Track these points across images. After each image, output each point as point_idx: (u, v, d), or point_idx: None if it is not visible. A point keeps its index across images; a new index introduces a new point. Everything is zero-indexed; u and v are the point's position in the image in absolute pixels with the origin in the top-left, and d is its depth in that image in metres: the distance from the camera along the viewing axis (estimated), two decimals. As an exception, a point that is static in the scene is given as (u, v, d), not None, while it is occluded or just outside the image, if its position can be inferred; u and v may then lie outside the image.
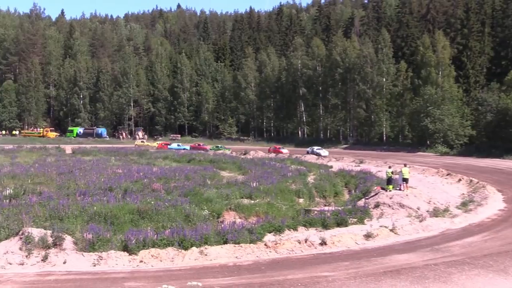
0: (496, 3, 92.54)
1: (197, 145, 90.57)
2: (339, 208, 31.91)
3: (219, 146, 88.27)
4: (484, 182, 42.44)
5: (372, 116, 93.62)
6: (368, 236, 26.15)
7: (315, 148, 77.69)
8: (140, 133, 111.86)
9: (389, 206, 31.71)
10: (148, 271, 20.90)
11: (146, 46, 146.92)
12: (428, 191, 36.36)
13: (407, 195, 33.24)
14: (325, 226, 27.82)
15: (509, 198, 37.30)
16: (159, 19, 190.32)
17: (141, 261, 21.91)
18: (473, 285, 18.31)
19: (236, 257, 22.75)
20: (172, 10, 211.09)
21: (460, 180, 44.73)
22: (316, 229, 27.43)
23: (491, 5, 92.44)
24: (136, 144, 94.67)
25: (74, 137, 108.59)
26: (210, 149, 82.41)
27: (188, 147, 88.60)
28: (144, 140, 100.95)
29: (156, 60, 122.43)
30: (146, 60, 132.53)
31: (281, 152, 76.43)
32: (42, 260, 21.20)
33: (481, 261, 21.67)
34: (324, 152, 74.10)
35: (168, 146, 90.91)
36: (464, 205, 33.58)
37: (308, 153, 74.00)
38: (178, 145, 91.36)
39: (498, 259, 21.84)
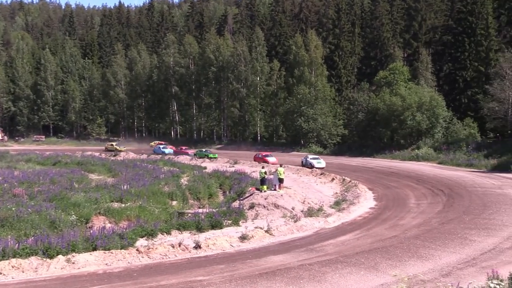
0: (365, 4, 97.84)
1: (180, 149, 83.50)
2: (214, 210, 32.42)
3: (204, 150, 77.37)
4: (356, 181, 45.02)
5: (246, 116, 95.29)
6: (243, 238, 26.79)
7: (310, 157, 63.35)
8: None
9: (264, 207, 32.58)
10: (8, 284, 19.96)
11: (5, 40, 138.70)
12: (302, 191, 37.70)
13: (282, 195, 34.31)
14: (200, 229, 28.22)
15: (379, 196, 39.87)
16: (19, 11, 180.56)
17: (0, 273, 20.84)
18: (346, 283, 19.46)
19: (106, 264, 22.47)
20: (34, 2, 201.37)
21: (333, 179, 46.83)
22: (190, 232, 27.73)
23: (360, 7, 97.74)
24: (106, 148, 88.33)
25: None
26: (195, 155, 74.12)
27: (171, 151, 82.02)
28: (114, 144, 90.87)
29: (16, 56, 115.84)
30: (5, 55, 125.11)
31: (267, 162, 62.89)
32: None
33: (353, 259, 23.02)
34: (320, 163, 59.48)
35: (158, 149, 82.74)
36: (337, 204, 35.38)
37: (302, 163, 61.39)
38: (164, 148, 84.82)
39: (369, 256, 23.33)
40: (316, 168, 56.74)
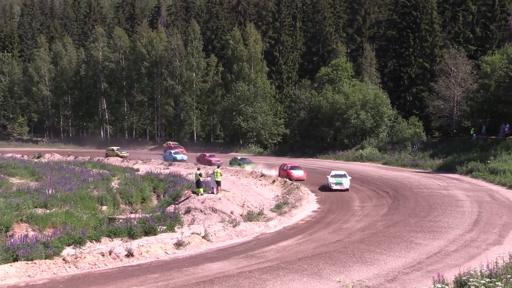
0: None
1: (202, 156, 69.92)
2: (147, 215, 32.20)
3: (239, 159, 64.13)
4: (298, 183, 45.36)
5: (182, 114, 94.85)
6: (179, 244, 26.71)
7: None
8: None
9: (201, 211, 32.55)
10: None
11: None
12: (242, 194, 37.80)
13: (220, 198, 34.33)
14: (132, 235, 28.01)
15: (322, 198, 40.39)
16: None
17: None
18: (288, 290, 19.59)
19: (29, 275, 22.00)
20: None
21: (274, 181, 47.14)
22: (122, 240, 27.48)
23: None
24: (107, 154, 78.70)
25: None
26: (230, 163, 62.70)
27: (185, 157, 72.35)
28: (115, 149, 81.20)
29: None
30: None
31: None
32: None
33: (295, 265, 23.25)
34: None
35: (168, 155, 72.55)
36: (279, 208, 35.64)
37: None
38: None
39: (312, 262, 23.61)
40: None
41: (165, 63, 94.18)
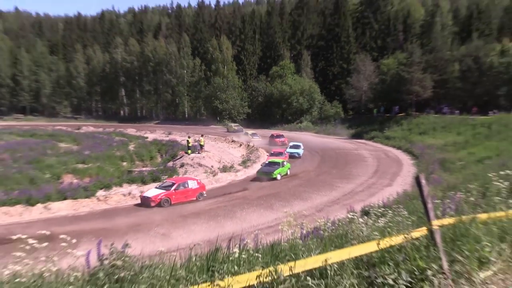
0: (263, 17, 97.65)
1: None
2: (154, 168, 32.37)
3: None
4: (257, 146, 45.56)
5: (177, 99, 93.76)
6: (176, 189, 26.77)
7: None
8: None
9: (191, 165, 32.74)
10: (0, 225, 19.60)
11: None
12: (219, 154, 38.03)
13: (203, 157, 34.51)
14: (144, 182, 28.35)
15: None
16: None
17: None
18: (251, 218, 20.13)
19: (74, 209, 22.62)
20: (10, 11, 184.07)
21: (241, 145, 47.28)
22: (137, 185, 27.72)
23: (259, 19, 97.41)
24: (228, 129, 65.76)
25: None
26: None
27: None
28: (233, 125, 67.69)
29: None
30: None
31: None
32: None
33: (255, 202, 23.78)
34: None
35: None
36: (244, 163, 35.99)
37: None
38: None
39: (267, 200, 24.16)
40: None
41: (164, 63, 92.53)
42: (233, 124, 68.89)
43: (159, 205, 22.94)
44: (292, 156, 38.93)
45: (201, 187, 25.19)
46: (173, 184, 24.31)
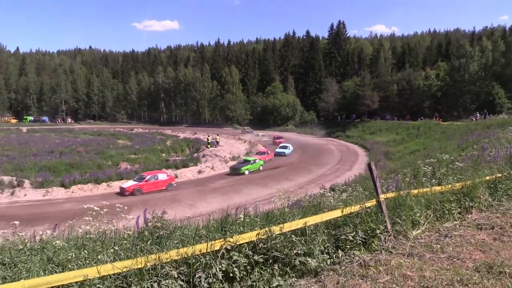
0: (260, 52, 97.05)
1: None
2: (184, 158, 32.30)
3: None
4: (257, 142, 45.49)
5: (200, 109, 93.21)
6: (199, 172, 26.86)
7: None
8: (69, 119, 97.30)
9: (210, 156, 32.70)
10: (77, 197, 19.99)
11: (71, 70, 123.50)
12: (229, 148, 37.98)
13: (219, 150, 34.43)
14: (177, 167, 28.23)
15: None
16: (79, 53, 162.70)
17: (72, 192, 20.75)
18: (252, 192, 20.09)
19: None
20: (86, 48, 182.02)
21: (245, 141, 47.19)
22: (172, 170, 27.56)
23: (258, 53, 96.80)
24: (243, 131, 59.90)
25: (28, 122, 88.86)
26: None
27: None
28: (245, 128, 62.86)
29: (77, 78, 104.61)
30: (71, 78, 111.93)
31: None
32: (11, 194, 19.79)
33: (255, 181, 23.71)
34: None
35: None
36: (247, 154, 35.77)
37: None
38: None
39: (263, 180, 24.06)
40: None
41: (191, 84, 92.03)
42: (245, 127, 67.21)
43: (132, 194, 20.13)
44: (279, 155, 34.93)
45: (170, 179, 22.37)
46: (145, 177, 21.45)
